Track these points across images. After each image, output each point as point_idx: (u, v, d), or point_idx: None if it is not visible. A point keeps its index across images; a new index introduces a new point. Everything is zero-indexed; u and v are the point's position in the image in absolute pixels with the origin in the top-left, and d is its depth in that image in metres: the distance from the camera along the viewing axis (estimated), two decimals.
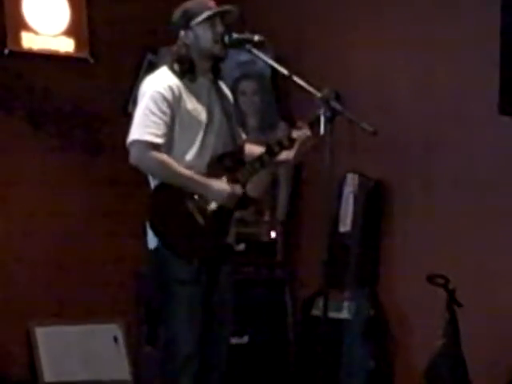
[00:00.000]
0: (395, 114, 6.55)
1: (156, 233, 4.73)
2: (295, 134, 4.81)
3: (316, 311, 6.50)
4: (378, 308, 6.60)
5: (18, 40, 7.00)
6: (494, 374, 5.57)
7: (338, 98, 4.64)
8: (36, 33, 7.07)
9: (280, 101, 6.98)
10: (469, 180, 6.11)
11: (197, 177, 4.70)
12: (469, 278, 5.57)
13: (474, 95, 6.07)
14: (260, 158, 4.89)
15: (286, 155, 4.91)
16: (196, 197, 4.70)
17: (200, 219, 4.68)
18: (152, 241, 4.78)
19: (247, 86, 6.83)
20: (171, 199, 4.76)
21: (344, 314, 6.43)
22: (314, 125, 4.69)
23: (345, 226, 6.55)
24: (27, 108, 6.96)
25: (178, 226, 4.75)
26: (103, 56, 7.24)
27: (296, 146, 4.83)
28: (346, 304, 6.46)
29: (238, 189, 4.78)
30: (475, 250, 5.98)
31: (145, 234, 4.90)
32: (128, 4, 7.08)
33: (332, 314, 5.96)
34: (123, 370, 6.81)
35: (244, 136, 5.25)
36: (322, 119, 4.56)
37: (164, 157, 4.69)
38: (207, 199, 4.71)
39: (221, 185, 4.73)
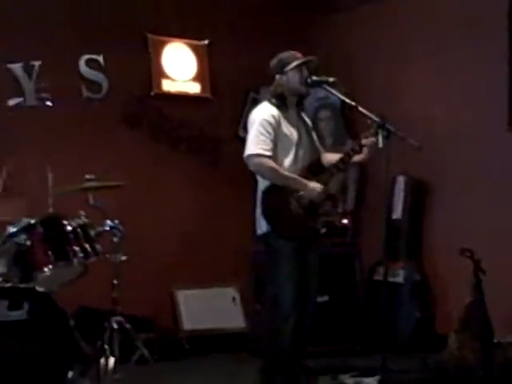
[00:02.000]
0: (432, 131, 6.67)
1: (267, 221, 5.05)
2: (364, 141, 5.01)
3: (377, 276, 6.87)
4: (423, 274, 6.94)
5: (159, 85, 7.30)
6: (509, 322, 5.89)
7: (382, 118, 4.87)
8: (172, 79, 7.40)
9: (348, 124, 7.16)
10: (481, 178, 6.48)
11: (297, 178, 5.03)
12: (492, 250, 5.73)
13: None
14: (336, 165, 5.13)
15: (357, 158, 5.12)
16: (296, 193, 5.01)
17: (299, 210, 5.03)
18: (263, 226, 5.08)
19: (324, 114, 7.14)
20: (278, 196, 5.05)
21: (398, 279, 6.77)
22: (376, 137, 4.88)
23: (397, 214, 6.95)
24: (167, 135, 7.27)
25: (282, 216, 5.05)
26: (220, 95, 7.50)
27: (365, 151, 5.04)
28: (399, 271, 6.79)
29: (324, 187, 5.06)
30: (498, 230, 6.26)
31: (255, 222, 5.20)
32: (237, 57, 7.31)
33: (389, 279, 6.55)
34: (239, 322, 7.09)
35: (323, 150, 5.43)
36: (380, 137, 4.83)
37: (273, 164, 4.99)
38: (303, 195, 5.04)
39: (314, 184, 5.02)
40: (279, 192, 5.12)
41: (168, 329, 6.94)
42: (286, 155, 5.17)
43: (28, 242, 5.02)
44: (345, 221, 6.96)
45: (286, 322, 5.13)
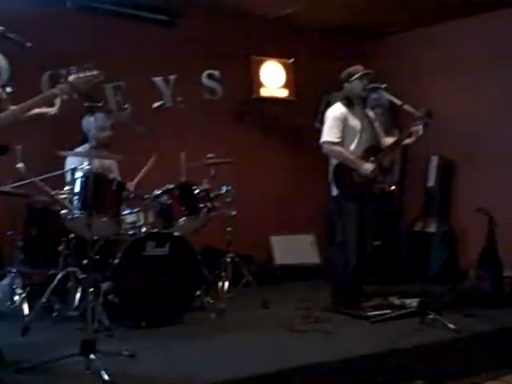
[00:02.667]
0: (457, 123, 6.58)
1: (337, 187, 5.16)
2: (413, 128, 4.98)
3: (416, 228, 6.87)
4: (450, 226, 6.90)
5: (258, 91, 7.27)
6: None
7: (430, 114, 4.88)
8: (267, 87, 7.36)
9: (393, 118, 7.03)
10: (493, 157, 6.43)
11: (356, 160, 5.07)
12: (502, 209, 5.70)
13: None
14: (390, 146, 5.19)
15: (406, 141, 5.12)
16: (356, 170, 5.07)
17: (359, 179, 5.09)
18: (334, 191, 5.17)
19: (377, 111, 6.61)
20: (344, 170, 5.12)
21: (431, 229, 6.72)
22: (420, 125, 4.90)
23: (430, 183, 6.87)
24: (264, 127, 7.25)
25: (348, 183, 5.13)
26: (302, 98, 7.41)
27: (413, 136, 5.02)
28: (432, 224, 6.74)
29: (376, 166, 5.10)
30: (506, 194, 6.26)
31: (329, 187, 5.29)
32: (313, 70, 7.16)
33: (425, 229, 6.67)
34: (315, 259, 7.02)
35: (383, 135, 5.40)
36: (421, 127, 4.91)
37: (340, 148, 5.10)
38: (360, 172, 5.09)
39: (367, 166, 5.07)
40: (345, 167, 5.15)
41: (265, 263, 6.92)
42: (352, 141, 5.20)
43: (168, 201, 5.08)
44: (392, 187, 6.62)
45: (350, 259, 5.18)
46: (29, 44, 3.53)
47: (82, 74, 3.59)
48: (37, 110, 3.68)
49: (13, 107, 3.62)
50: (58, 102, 3.74)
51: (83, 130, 5.39)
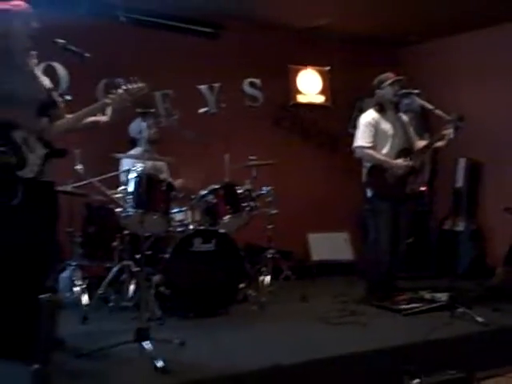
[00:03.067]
0: (485, 128, 6.46)
1: (371, 188, 5.14)
2: (445, 132, 4.92)
3: (445, 226, 6.73)
4: (477, 224, 6.82)
5: (295, 97, 7.28)
6: None
7: (461, 118, 4.83)
8: (305, 94, 7.35)
9: (424, 122, 6.97)
10: None
11: (388, 160, 5.04)
12: None
13: None
14: (422, 149, 5.14)
15: (437, 144, 5.06)
16: (389, 170, 5.04)
17: (392, 180, 5.06)
18: (369, 192, 5.15)
19: (409, 115, 6.59)
20: (377, 172, 5.10)
21: (459, 228, 6.63)
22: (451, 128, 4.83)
23: (459, 183, 6.76)
24: (301, 131, 7.27)
25: (381, 184, 5.10)
26: (337, 104, 7.41)
27: (445, 139, 4.95)
28: (460, 223, 6.66)
29: (410, 163, 5.07)
30: None
31: (364, 189, 5.27)
32: (347, 78, 7.16)
33: (454, 228, 6.54)
34: (349, 255, 7.01)
35: (417, 138, 5.37)
36: (452, 130, 4.84)
37: (371, 151, 5.08)
38: (394, 171, 5.06)
39: (401, 162, 5.05)
40: (378, 169, 5.13)
41: (303, 259, 6.91)
42: (384, 145, 5.17)
43: (214, 200, 5.11)
44: (423, 188, 6.80)
45: (383, 256, 5.15)
46: (87, 55, 3.63)
47: (129, 86, 3.67)
48: (91, 118, 3.76)
49: (69, 115, 3.71)
50: (109, 110, 3.80)
51: (130, 135, 5.50)
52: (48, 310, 2.89)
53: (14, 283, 3.36)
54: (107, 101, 3.69)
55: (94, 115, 3.76)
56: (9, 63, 3.46)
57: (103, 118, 3.81)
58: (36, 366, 2.77)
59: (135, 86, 3.69)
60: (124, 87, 3.67)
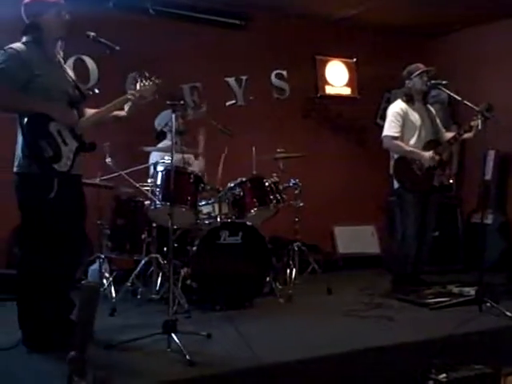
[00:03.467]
0: None
1: (398, 179, 5.11)
2: (472, 123, 4.88)
3: (474, 219, 6.70)
4: (506, 217, 6.75)
5: (324, 89, 7.27)
6: None
7: (490, 108, 4.76)
8: (332, 85, 7.35)
9: (452, 114, 7.05)
10: None
11: (416, 151, 5.02)
12: None
13: None
14: (449, 140, 5.09)
15: (465, 136, 5.04)
16: (417, 161, 5.02)
17: (419, 172, 5.04)
18: (396, 184, 5.13)
19: (436, 107, 6.58)
20: (404, 163, 5.07)
21: (488, 221, 6.52)
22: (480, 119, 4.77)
23: (488, 176, 6.61)
24: (329, 123, 7.25)
25: (408, 176, 5.07)
26: (364, 95, 7.38)
27: (473, 130, 4.93)
28: (489, 216, 6.55)
29: (437, 157, 5.04)
30: None
31: (391, 181, 5.25)
32: (375, 69, 7.03)
33: (482, 221, 6.45)
34: (376, 249, 7.09)
35: (444, 130, 5.31)
36: (480, 121, 4.77)
37: (399, 142, 5.05)
38: (422, 162, 5.05)
39: (429, 154, 5.01)
40: (405, 161, 5.10)
41: (329, 252, 6.94)
42: (412, 135, 5.15)
43: (241, 193, 5.10)
44: (451, 180, 6.68)
45: (410, 249, 5.14)
46: (117, 47, 3.67)
47: (146, 83, 3.71)
48: (113, 113, 3.80)
49: (93, 110, 3.75)
50: (126, 106, 3.84)
51: (157, 128, 5.54)
52: (87, 296, 2.94)
53: (49, 274, 3.43)
54: (128, 96, 3.73)
55: (119, 109, 3.80)
56: (41, 55, 3.49)
57: (121, 113, 3.84)
58: (73, 353, 2.83)
59: (151, 82, 3.73)
60: (141, 83, 3.70)
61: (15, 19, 3.60)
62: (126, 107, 3.82)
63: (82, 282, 3.13)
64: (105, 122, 3.82)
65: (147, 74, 3.76)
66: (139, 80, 3.74)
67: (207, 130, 5.62)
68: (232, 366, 3.33)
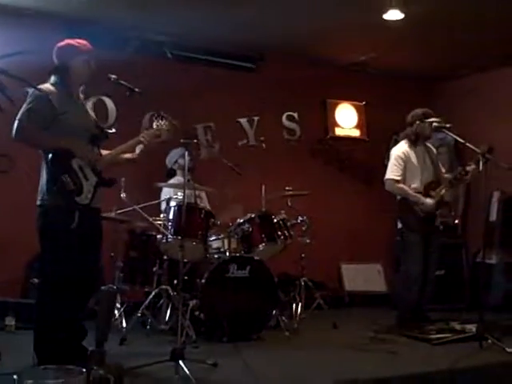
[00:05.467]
0: None
1: (401, 220, 5.26)
2: (468, 168, 4.98)
3: (479, 259, 6.46)
4: (511, 258, 6.65)
5: (333, 131, 7.47)
6: None
7: (491, 150, 4.73)
8: (341, 127, 7.54)
9: (458, 156, 7.10)
10: None
11: (416, 196, 5.09)
12: None
13: None
14: (449, 182, 5.15)
15: (464, 178, 5.09)
16: (418, 206, 5.09)
17: (422, 214, 5.09)
18: (399, 224, 5.28)
19: (442, 150, 6.96)
20: (408, 204, 5.14)
21: (493, 261, 6.61)
22: (477, 165, 4.76)
23: (492, 217, 6.79)
24: (338, 163, 7.42)
25: (411, 217, 5.13)
26: (373, 137, 7.58)
27: (469, 175, 5.00)
28: (493, 256, 6.63)
29: (436, 201, 5.05)
30: None
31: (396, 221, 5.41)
32: (383, 113, 7.27)
33: (486, 261, 6.34)
34: (382, 286, 7.12)
35: (443, 171, 5.39)
36: (481, 163, 4.71)
37: (400, 185, 5.14)
38: (422, 207, 5.09)
39: (429, 201, 5.07)
40: (408, 202, 5.18)
41: (335, 288, 6.99)
42: (414, 177, 5.24)
43: (250, 229, 5.18)
44: (456, 221, 6.85)
45: (414, 286, 5.17)
46: (137, 89, 3.84)
47: (162, 122, 3.87)
48: (126, 155, 3.97)
49: (107, 152, 3.91)
50: (138, 148, 4.00)
51: (168, 165, 5.72)
52: (106, 299, 3.24)
53: (66, 303, 3.57)
54: (140, 139, 3.90)
55: (130, 151, 3.97)
56: (67, 95, 3.69)
57: (132, 155, 4.00)
58: (92, 348, 3.13)
59: (167, 122, 3.88)
60: (158, 123, 3.85)
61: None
62: (138, 149, 3.98)
63: (102, 287, 3.49)
64: (118, 162, 3.97)
65: (164, 114, 3.90)
66: (155, 120, 3.89)
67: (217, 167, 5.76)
68: None
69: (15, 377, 2.31)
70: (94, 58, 3.76)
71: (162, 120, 3.93)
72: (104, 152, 3.90)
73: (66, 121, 3.58)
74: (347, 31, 6.21)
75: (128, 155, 3.97)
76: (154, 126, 3.93)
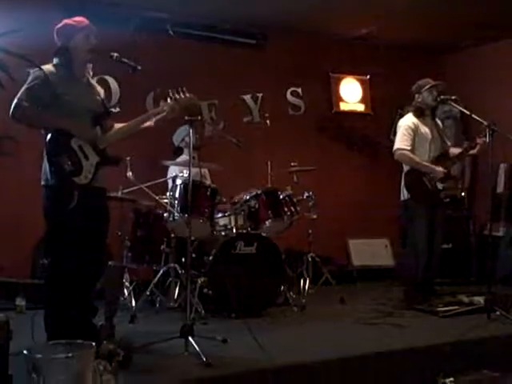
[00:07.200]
0: None
1: (408, 191, 5.15)
2: (478, 140, 5.00)
3: (485, 231, 6.54)
4: None
5: (338, 106, 7.45)
6: None
7: (495, 124, 4.80)
8: (346, 102, 7.52)
9: (464, 129, 7.10)
10: None
11: (427, 164, 5.07)
12: None
13: None
14: (458, 155, 5.19)
15: (472, 152, 5.13)
16: (427, 174, 5.07)
17: (429, 185, 5.09)
18: (405, 195, 5.17)
19: (448, 123, 6.92)
20: (415, 175, 5.13)
21: (499, 233, 6.62)
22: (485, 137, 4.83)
23: (499, 189, 6.81)
24: (343, 138, 7.38)
25: (418, 188, 5.13)
26: (377, 112, 7.56)
27: (478, 147, 5.03)
28: (500, 228, 6.67)
29: (446, 171, 5.07)
30: None
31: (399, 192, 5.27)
32: (388, 86, 7.20)
33: (493, 233, 6.09)
34: (389, 261, 7.14)
35: (450, 145, 5.37)
36: (488, 135, 4.79)
37: (410, 155, 5.11)
38: (434, 176, 5.10)
39: (439, 169, 5.08)
40: (416, 173, 5.16)
41: (343, 264, 7.01)
42: (422, 148, 5.21)
43: (256, 205, 5.18)
44: (463, 194, 6.82)
45: (421, 259, 5.16)
46: (139, 67, 3.80)
47: (179, 96, 3.84)
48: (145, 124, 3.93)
49: (121, 125, 3.90)
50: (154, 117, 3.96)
51: (174, 143, 5.70)
52: (112, 275, 3.34)
53: (75, 281, 3.57)
54: (158, 109, 3.87)
55: (150, 120, 3.93)
56: (69, 75, 3.68)
57: (148, 124, 3.95)
58: (102, 322, 3.26)
59: (185, 96, 3.85)
60: (174, 97, 3.83)
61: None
62: (154, 118, 3.94)
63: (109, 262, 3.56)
64: (134, 133, 3.94)
65: (184, 89, 3.86)
66: (172, 94, 3.84)
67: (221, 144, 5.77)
68: (247, 367, 3.42)
69: (25, 352, 2.31)
70: (94, 33, 3.73)
71: (179, 94, 3.85)
72: (118, 125, 3.88)
73: (66, 101, 3.57)
74: (349, 3, 6.16)
75: (146, 124, 3.93)
76: (170, 101, 3.88)
